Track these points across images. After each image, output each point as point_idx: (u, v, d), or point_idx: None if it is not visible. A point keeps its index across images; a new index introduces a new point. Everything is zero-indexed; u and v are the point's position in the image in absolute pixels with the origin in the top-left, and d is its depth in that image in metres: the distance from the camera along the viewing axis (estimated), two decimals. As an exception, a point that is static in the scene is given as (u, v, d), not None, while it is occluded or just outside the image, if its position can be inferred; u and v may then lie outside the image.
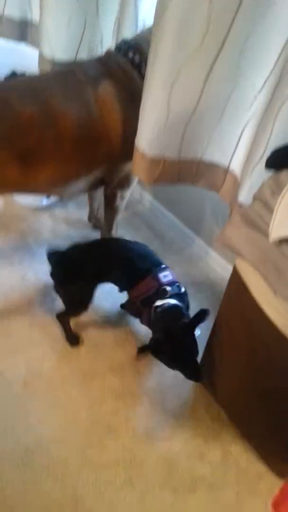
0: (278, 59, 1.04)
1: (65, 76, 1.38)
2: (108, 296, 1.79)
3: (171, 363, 1.34)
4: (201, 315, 1.32)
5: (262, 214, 0.92)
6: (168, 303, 1.38)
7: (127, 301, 1.61)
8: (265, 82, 1.09)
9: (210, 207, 1.92)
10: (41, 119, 1.27)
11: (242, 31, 1.05)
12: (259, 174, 1.09)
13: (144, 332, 1.67)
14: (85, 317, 1.69)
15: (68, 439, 1.48)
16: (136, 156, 1.31)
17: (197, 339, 1.35)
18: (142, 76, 1.26)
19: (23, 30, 1.91)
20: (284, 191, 0.90)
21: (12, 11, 1.86)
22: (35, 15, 1.84)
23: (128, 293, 1.55)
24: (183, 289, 1.46)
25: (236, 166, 1.23)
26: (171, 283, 1.43)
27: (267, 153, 1.06)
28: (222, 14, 1.02)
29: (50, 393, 1.58)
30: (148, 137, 1.25)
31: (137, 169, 1.34)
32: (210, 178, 1.32)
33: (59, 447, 1.46)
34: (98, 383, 1.60)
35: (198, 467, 1.46)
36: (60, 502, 1.35)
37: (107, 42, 1.70)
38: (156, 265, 1.48)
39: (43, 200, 2.14)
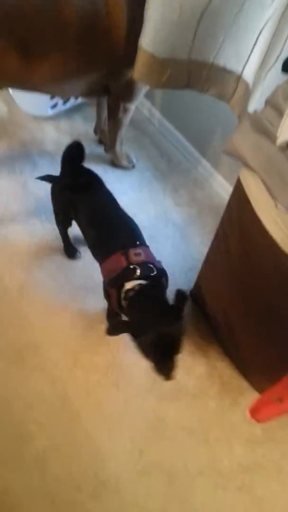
0: None
1: None
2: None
3: (149, 355, 1.15)
4: (181, 300, 1.19)
5: (273, 119, 0.87)
6: (140, 284, 1.18)
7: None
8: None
9: (219, 130, 1.84)
10: (44, 4, 1.17)
11: None
12: (272, 81, 1.01)
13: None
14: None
15: (61, 343, 1.53)
16: (140, 56, 1.21)
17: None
18: None
19: None
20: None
21: None
22: None
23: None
24: (156, 272, 1.22)
25: (248, 73, 1.14)
26: (142, 263, 1.21)
27: (282, 57, 0.98)
28: None
29: (45, 300, 1.61)
30: (155, 35, 1.13)
31: (140, 71, 1.24)
32: (220, 85, 1.23)
33: (52, 349, 1.52)
34: (94, 295, 1.63)
35: (183, 379, 1.52)
36: (50, 401, 1.43)
37: None
38: (132, 242, 1.27)
39: (48, 110, 2.05)
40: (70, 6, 1.19)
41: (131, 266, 1.19)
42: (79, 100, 2.11)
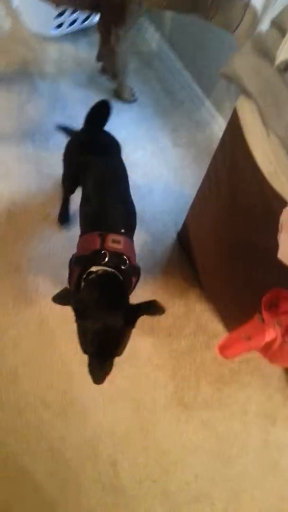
0: None
1: None
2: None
3: (85, 343, 1.02)
4: (146, 308, 1.04)
5: (275, 40, 0.82)
6: (105, 270, 1.09)
7: None
8: None
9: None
10: None
11: None
12: (281, 6, 0.94)
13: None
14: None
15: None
16: None
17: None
18: None
19: None
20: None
21: None
22: None
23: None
24: (127, 266, 1.12)
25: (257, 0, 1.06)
26: (115, 252, 1.11)
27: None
28: None
29: (32, 228, 1.60)
30: None
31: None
32: (227, 12, 1.14)
33: (34, 273, 1.52)
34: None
35: (160, 317, 1.53)
36: (27, 322, 1.45)
37: None
38: (116, 228, 1.17)
39: (52, 29, 1.93)
40: None
41: (102, 252, 1.10)
42: (86, 23, 2.00)
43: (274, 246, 0.89)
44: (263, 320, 1.02)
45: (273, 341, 0.99)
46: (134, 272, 1.17)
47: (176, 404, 1.41)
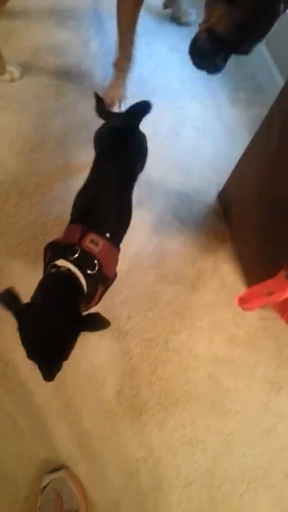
0: None
1: None
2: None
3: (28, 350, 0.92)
4: (96, 325, 0.92)
5: None
6: (69, 270, 0.99)
7: None
8: None
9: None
10: None
11: None
12: None
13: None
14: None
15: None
16: None
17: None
18: None
19: None
20: None
21: None
22: None
23: None
24: (95, 272, 1.02)
25: None
26: (88, 255, 1.02)
27: None
28: None
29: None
30: None
31: None
32: None
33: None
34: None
35: (187, 268, 1.56)
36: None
37: None
38: (101, 229, 1.07)
39: None
40: None
41: (75, 247, 1.01)
42: None
43: None
44: (287, 277, 1.02)
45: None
46: (102, 281, 1.07)
47: (186, 351, 1.44)
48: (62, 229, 1.12)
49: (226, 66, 1.35)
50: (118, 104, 1.74)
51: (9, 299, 0.91)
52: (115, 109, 1.73)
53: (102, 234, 1.06)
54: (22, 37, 1.84)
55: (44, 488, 1.20)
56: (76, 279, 0.98)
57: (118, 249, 1.15)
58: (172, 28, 1.96)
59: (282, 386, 1.46)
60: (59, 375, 0.96)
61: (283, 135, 1.08)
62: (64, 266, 0.99)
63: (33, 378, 1.32)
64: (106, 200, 1.13)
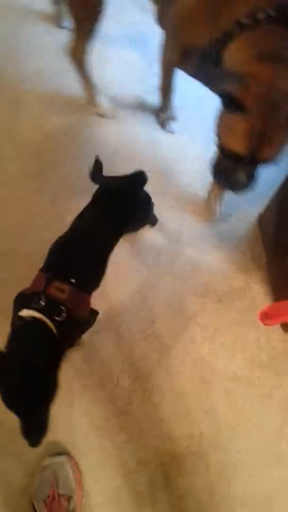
0: None
1: None
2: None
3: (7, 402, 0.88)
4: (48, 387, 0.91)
5: None
6: (34, 318, 0.96)
7: None
8: None
9: None
10: None
11: None
12: None
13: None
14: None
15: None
16: None
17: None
18: None
19: None
20: None
21: None
22: None
23: None
24: (63, 319, 0.99)
25: None
26: (54, 302, 1.00)
27: None
28: None
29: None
30: None
31: None
32: None
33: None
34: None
35: (217, 284, 1.58)
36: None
37: None
38: (67, 276, 1.05)
39: None
40: None
41: (41, 295, 0.99)
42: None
43: None
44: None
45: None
46: (75, 327, 1.06)
47: (204, 365, 1.45)
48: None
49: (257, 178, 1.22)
50: (167, 123, 1.85)
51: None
52: (166, 129, 1.84)
53: (66, 281, 1.03)
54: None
55: (44, 468, 1.25)
56: (43, 325, 0.96)
57: (89, 294, 1.12)
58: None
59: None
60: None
61: None
62: (29, 316, 0.96)
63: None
64: (76, 247, 1.12)
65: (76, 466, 1.29)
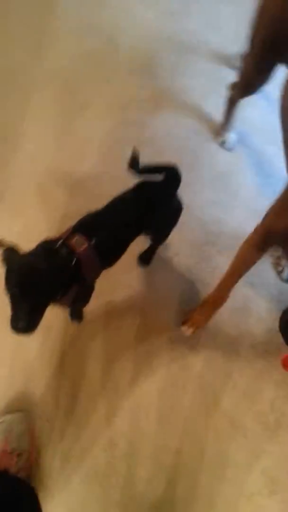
0: None
1: None
2: None
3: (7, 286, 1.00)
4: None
5: None
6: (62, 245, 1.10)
7: None
8: None
9: None
10: None
11: None
12: None
13: None
14: None
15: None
16: None
17: None
18: None
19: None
20: None
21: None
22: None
23: None
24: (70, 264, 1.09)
25: None
26: (70, 250, 1.10)
27: None
28: None
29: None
30: None
31: None
32: None
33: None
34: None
35: (257, 332, 1.57)
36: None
37: None
38: (91, 233, 1.15)
39: None
40: None
41: (60, 241, 1.11)
42: None
43: None
44: None
45: None
46: (79, 280, 1.14)
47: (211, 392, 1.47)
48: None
49: None
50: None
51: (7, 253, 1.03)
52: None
53: (87, 238, 1.14)
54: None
55: (1, 422, 1.30)
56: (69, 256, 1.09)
57: (101, 265, 1.20)
58: None
59: (277, 491, 1.35)
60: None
61: None
62: (58, 243, 1.09)
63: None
64: (105, 221, 1.22)
65: (33, 425, 1.32)
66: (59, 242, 1.10)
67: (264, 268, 1.71)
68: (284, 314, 1.46)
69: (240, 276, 1.38)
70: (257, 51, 1.46)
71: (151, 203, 1.27)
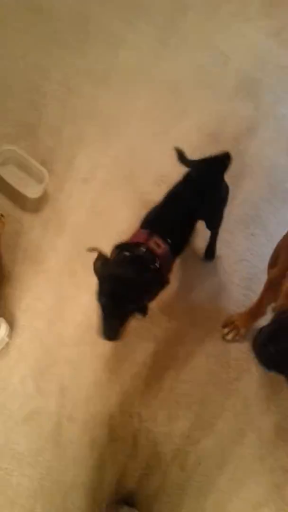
0: None
1: None
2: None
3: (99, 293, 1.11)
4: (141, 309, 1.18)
5: None
6: (144, 249, 1.18)
7: None
8: None
9: None
10: None
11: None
12: None
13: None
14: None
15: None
16: None
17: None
18: None
19: None
20: None
21: None
22: None
23: None
24: (153, 266, 1.18)
25: None
26: (151, 254, 1.17)
27: None
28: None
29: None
30: None
31: None
32: None
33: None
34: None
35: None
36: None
37: None
38: (165, 234, 1.22)
39: None
40: None
41: (142, 247, 1.18)
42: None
43: None
44: None
45: None
46: (161, 279, 1.21)
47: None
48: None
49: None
50: None
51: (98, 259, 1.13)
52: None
53: (164, 239, 1.21)
54: None
55: None
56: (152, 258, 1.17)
57: (174, 258, 1.27)
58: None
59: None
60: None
61: None
62: (141, 249, 1.17)
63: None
64: (170, 214, 1.28)
65: None
66: (143, 249, 1.16)
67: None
68: (259, 336, 1.28)
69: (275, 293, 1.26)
70: None
71: (202, 189, 1.33)
